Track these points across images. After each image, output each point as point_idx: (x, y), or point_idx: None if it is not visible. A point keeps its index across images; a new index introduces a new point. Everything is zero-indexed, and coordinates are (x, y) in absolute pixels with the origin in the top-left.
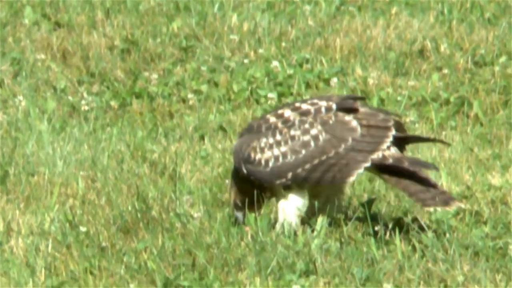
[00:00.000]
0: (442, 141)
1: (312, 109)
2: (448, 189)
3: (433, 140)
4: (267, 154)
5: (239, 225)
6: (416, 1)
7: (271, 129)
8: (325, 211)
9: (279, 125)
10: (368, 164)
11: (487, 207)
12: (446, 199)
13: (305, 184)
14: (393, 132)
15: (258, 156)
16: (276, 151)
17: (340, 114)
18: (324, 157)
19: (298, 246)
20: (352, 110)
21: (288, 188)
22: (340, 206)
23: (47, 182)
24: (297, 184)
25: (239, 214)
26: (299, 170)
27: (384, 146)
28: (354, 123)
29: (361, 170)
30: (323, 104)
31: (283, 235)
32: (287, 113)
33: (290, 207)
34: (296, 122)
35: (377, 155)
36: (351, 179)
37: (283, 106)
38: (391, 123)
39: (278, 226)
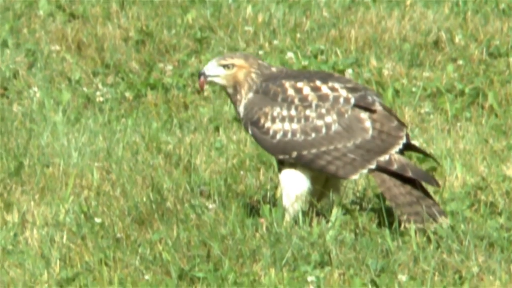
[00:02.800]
0: (434, 159)
1: (331, 96)
2: (463, 180)
3: (428, 155)
4: (278, 125)
5: (254, 216)
6: None
7: (287, 102)
8: (324, 193)
9: (296, 101)
10: (373, 166)
11: (502, 198)
12: (431, 215)
13: (308, 168)
14: (403, 141)
15: (268, 124)
16: (286, 126)
17: (357, 110)
18: (332, 147)
19: (313, 237)
20: (369, 109)
21: (289, 166)
22: (339, 189)
23: (62, 173)
24: (300, 165)
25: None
26: (305, 152)
27: (393, 151)
28: (368, 123)
29: (365, 171)
30: (342, 93)
31: (291, 220)
32: (306, 90)
33: (294, 191)
34: (313, 105)
35: (384, 158)
36: (354, 177)
37: (302, 77)
38: (403, 133)
39: (287, 215)
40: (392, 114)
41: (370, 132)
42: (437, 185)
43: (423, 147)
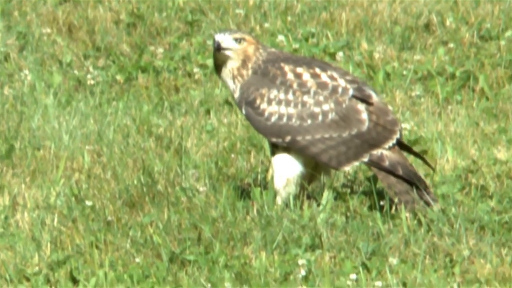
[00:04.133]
0: (428, 164)
1: (330, 84)
2: (454, 163)
3: (421, 158)
4: (273, 108)
5: (245, 199)
6: None
7: (286, 85)
8: (315, 176)
9: (294, 85)
10: (365, 160)
11: (492, 181)
12: (428, 201)
13: (300, 153)
14: (397, 135)
15: (264, 105)
16: (282, 109)
17: (354, 100)
18: (327, 135)
19: (304, 220)
20: (367, 101)
21: (282, 150)
22: (329, 172)
23: (53, 156)
24: (294, 150)
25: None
26: (299, 138)
27: (386, 146)
28: (364, 115)
29: (357, 163)
30: (341, 83)
31: (282, 203)
32: (306, 76)
33: (286, 174)
34: (312, 91)
35: (376, 152)
36: (346, 168)
37: (302, 62)
38: (398, 128)
39: (278, 198)
40: (388, 108)
41: (366, 124)
42: (426, 187)
43: (414, 130)
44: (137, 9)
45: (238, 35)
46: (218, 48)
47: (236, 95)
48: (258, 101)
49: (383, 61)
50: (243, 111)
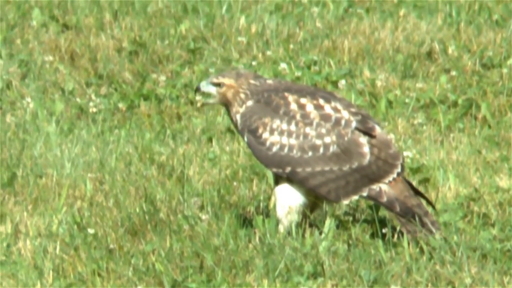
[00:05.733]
0: (428, 201)
1: (333, 116)
2: (456, 191)
3: (422, 196)
4: (275, 138)
5: (247, 227)
6: (424, 3)
7: (289, 116)
8: (317, 204)
9: (298, 116)
10: (364, 194)
11: (495, 209)
12: (430, 229)
13: (299, 184)
14: (398, 170)
15: (266, 135)
16: (284, 140)
17: (357, 133)
18: (327, 168)
19: (306, 248)
20: (369, 133)
21: (285, 180)
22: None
23: (55, 184)
24: (294, 181)
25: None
26: (299, 169)
27: (386, 180)
28: (366, 149)
29: (356, 197)
30: (344, 115)
31: (284, 231)
32: (309, 107)
33: (288, 203)
34: (314, 123)
35: (376, 187)
36: (345, 202)
37: (306, 92)
38: (399, 162)
39: (281, 226)
40: (391, 141)
41: (368, 157)
42: (422, 224)
43: (416, 158)
44: (139, 37)
45: (217, 80)
46: (195, 89)
47: (238, 121)
48: (260, 130)
49: (385, 89)
50: (245, 139)
